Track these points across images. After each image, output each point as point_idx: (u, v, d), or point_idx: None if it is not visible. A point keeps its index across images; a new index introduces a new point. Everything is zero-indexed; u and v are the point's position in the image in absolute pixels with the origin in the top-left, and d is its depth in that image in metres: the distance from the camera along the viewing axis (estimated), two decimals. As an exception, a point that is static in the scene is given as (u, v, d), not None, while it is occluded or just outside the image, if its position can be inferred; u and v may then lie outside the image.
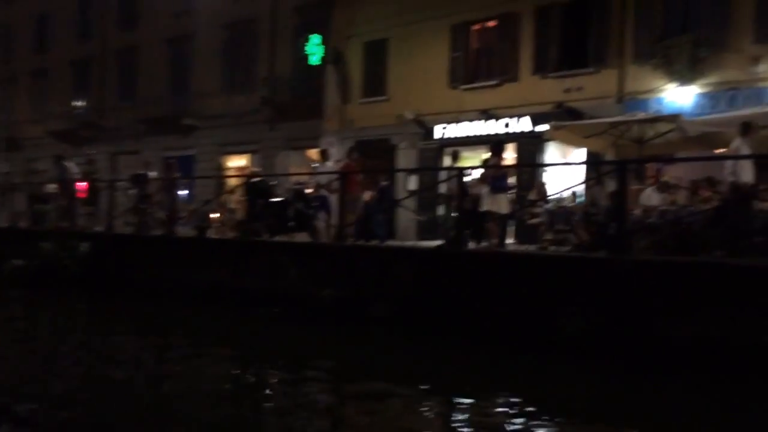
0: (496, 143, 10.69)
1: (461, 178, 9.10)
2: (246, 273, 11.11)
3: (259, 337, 9.47)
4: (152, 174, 14.80)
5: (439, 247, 9.17)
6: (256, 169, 23.49)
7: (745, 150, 8.36)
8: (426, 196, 17.47)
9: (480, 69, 17.88)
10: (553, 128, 12.49)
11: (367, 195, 14.60)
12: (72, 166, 15.33)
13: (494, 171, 9.70)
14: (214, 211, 16.94)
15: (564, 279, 7.37)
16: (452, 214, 10.77)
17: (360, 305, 9.01)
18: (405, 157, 19.02)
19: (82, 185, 17.97)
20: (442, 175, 16.50)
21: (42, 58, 31.07)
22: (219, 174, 23.88)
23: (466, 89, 17.80)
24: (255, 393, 6.86)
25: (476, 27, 18.03)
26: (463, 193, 9.06)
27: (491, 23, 17.72)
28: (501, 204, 9.57)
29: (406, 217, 17.39)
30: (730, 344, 6.21)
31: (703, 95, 13.69)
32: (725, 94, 13.33)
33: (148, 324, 10.76)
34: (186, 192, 21.83)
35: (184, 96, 25.74)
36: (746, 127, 8.57)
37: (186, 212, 15.79)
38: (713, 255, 9.38)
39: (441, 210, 16.42)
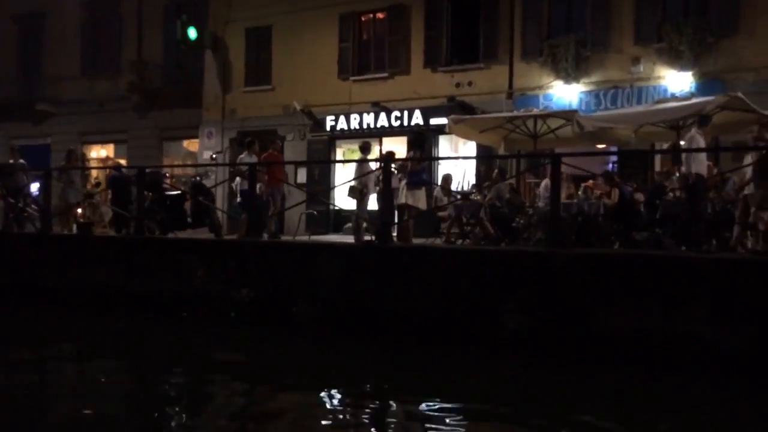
0: (415, 135, 10.51)
1: (388, 171, 8.81)
2: (141, 274, 10.13)
3: (163, 345, 8.66)
4: (21, 163, 13.08)
5: (368, 242, 8.84)
6: (120, 160, 21.95)
7: (701, 141, 8.67)
8: (316, 190, 17.09)
9: (370, 60, 17.69)
10: (453, 122, 12.57)
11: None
12: None
13: (413, 164, 9.52)
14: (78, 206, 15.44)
15: (502, 273, 7.36)
16: (363, 209, 10.42)
17: (281, 306, 8.49)
18: (293, 149, 18.40)
19: None
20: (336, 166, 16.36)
21: None
22: (90, 165, 21.85)
23: (356, 80, 17.55)
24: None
25: (365, 18, 17.81)
26: (387, 186, 8.77)
27: (380, 14, 17.59)
28: (419, 198, 9.41)
29: (295, 210, 16.86)
30: (665, 335, 6.48)
31: (588, 93, 14.45)
32: (608, 92, 14.17)
33: (23, 333, 9.52)
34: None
35: (37, 79, 23.30)
36: (705, 120, 8.87)
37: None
38: (612, 247, 9.90)
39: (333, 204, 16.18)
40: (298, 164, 17.70)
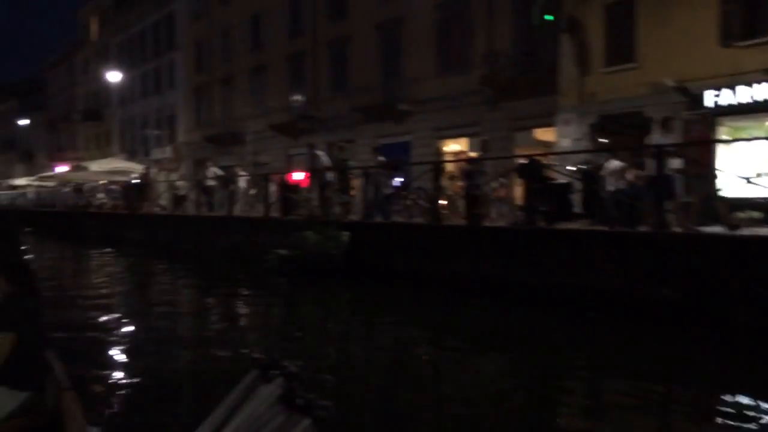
0: None
1: None
2: (533, 266, 9.82)
3: (574, 344, 8.09)
4: (381, 160, 14.16)
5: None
6: (472, 153, 22.55)
7: None
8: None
9: (764, 21, 15.01)
10: None
11: (630, 175, 12.87)
12: (323, 155, 15.09)
13: None
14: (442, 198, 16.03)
15: None
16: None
17: (714, 310, 7.26)
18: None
19: (300, 174, 17.98)
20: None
21: (258, 56, 32.46)
22: (439, 159, 22.93)
23: (745, 47, 15.06)
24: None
25: (755, -30, 15.19)
26: None
27: (776, -38, 14.82)
28: None
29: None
30: None
31: None
32: None
33: (425, 317, 9.91)
34: (401, 179, 21.10)
35: (397, 81, 25.29)
36: None
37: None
38: None
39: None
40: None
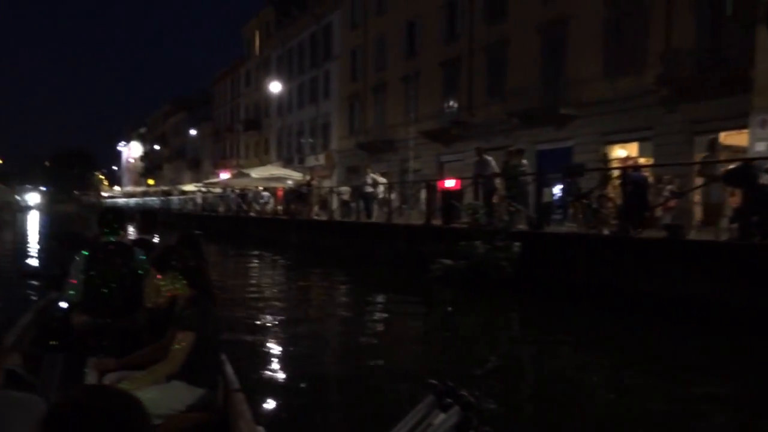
0: None
1: None
2: (752, 286, 8.40)
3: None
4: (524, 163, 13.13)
5: None
6: (641, 159, 20.72)
7: None
8: None
9: None
10: None
11: None
12: (491, 161, 14.33)
13: None
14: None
15: None
16: None
17: None
18: None
19: (452, 180, 17.26)
20: None
21: (412, 63, 32.34)
22: (611, 166, 21.26)
23: None
24: None
25: None
26: None
27: None
28: None
29: None
30: None
31: None
32: None
33: (610, 340, 8.80)
34: (560, 187, 19.68)
35: (559, 85, 23.94)
36: None
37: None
38: None
39: None
40: None
